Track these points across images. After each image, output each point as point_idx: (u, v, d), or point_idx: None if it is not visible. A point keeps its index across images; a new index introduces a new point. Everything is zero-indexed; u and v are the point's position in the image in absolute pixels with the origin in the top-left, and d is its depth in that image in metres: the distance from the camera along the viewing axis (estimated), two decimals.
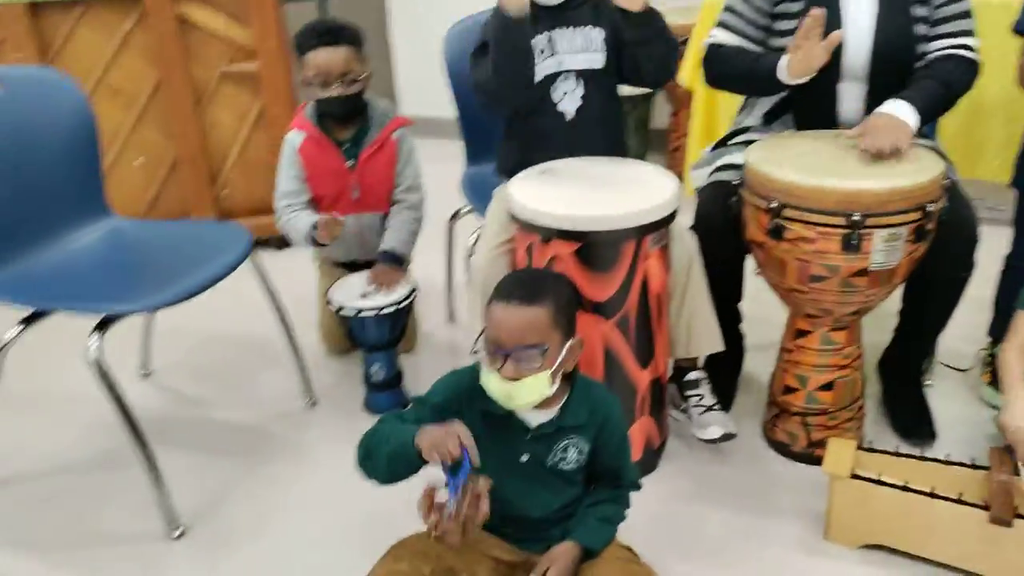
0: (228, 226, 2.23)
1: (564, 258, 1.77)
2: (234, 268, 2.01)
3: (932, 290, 1.98)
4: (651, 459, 2.02)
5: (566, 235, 1.76)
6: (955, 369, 2.33)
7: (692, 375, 2.07)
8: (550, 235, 1.77)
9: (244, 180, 3.24)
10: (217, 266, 1.97)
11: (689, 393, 2.06)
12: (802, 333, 1.96)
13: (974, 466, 1.75)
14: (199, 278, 1.92)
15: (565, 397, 1.53)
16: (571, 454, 1.55)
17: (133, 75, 3.05)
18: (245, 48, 3.06)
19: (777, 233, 1.80)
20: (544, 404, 1.50)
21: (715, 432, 1.98)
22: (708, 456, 2.06)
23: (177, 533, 1.89)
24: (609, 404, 1.58)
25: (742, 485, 1.97)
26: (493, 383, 1.43)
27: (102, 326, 1.83)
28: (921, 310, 2.03)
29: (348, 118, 2.26)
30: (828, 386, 1.95)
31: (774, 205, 1.78)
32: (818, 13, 1.84)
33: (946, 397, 2.23)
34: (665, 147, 3.87)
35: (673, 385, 2.13)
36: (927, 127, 2.34)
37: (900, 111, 1.87)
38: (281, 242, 3.21)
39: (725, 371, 2.24)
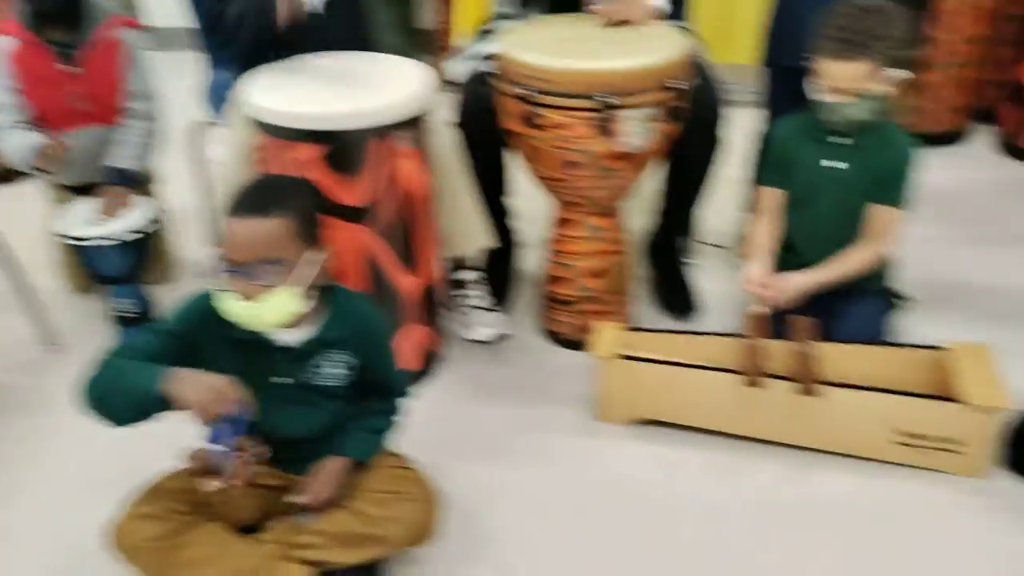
0: None
1: (310, 162, 1.66)
2: None
3: (685, 169, 2.03)
4: (429, 365, 1.98)
5: (310, 136, 1.64)
6: (716, 247, 2.43)
7: (464, 275, 2.03)
8: (293, 137, 1.65)
9: None
10: None
11: (461, 293, 2.02)
12: (567, 222, 1.96)
13: (730, 335, 1.83)
14: None
15: (323, 312, 1.45)
16: (335, 370, 1.48)
17: None
18: None
19: (530, 120, 1.77)
20: (299, 322, 1.41)
21: (486, 332, 1.96)
22: (487, 356, 2.05)
23: None
24: (370, 315, 1.51)
25: (520, 380, 1.98)
26: (233, 306, 1.32)
27: None
28: (677, 189, 2.08)
29: (62, 15, 1.99)
30: (596, 272, 1.97)
31: (525, 91, 1.74)
32: None
33: (710, 273, 2.33)
34: (434, 47, 3.75)
35: (447, 286, 2.09)
36: (678, 9, 2.37)
37: None
38: (5, 174, 2.86)
39: (499, 267, 2.23)
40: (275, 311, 1.34)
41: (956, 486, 1.66)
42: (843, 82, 1.76)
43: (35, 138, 1.97)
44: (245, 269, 1.30)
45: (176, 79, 2.58)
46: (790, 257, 1.99)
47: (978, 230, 2.52)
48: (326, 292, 1.45)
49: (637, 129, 1.74)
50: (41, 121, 2.05)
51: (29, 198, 2.50)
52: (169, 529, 1.38)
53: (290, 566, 1.39)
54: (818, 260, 1.96)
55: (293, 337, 1.43)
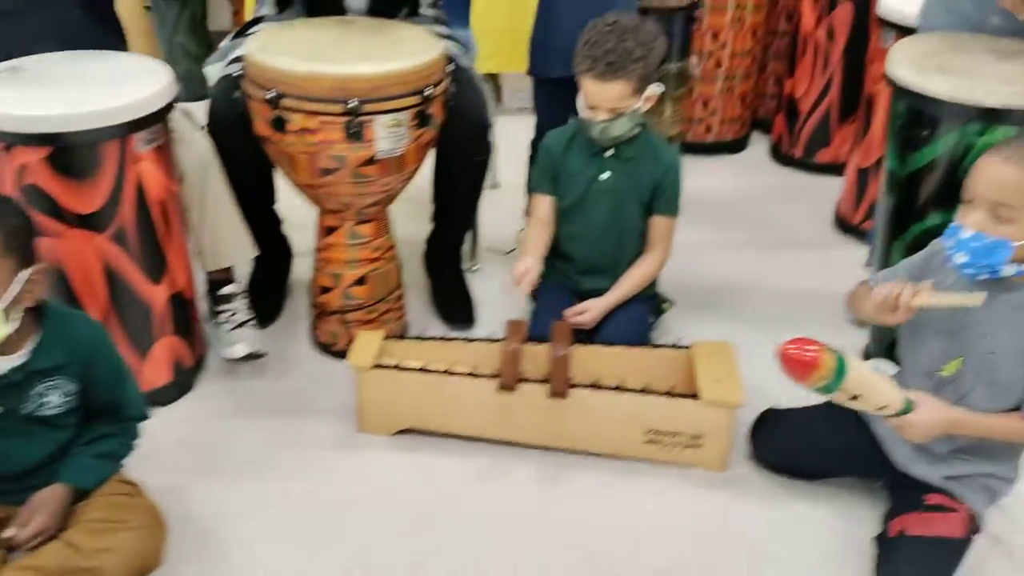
0: None
1: (34, 167, 1.55)
2: None
3: (454, 175, 2.03)
4: (185, 380, 1.89)
5: (32, 139, 1.54)
6: (498, 252, 2.45)
7: (225, 289, 1.95)
8: (13, 141, 1.54)
9: None
10: None
11: (221, 308, 1.94)
12: (330, 230, 1.92)
13: (493, 340, 1.83)
14: None
15: (35, 336, 1.35)
16: (53, 398, 1.38)
17: None
18: None
19: (279, 125, 1.72)
20: (6, 347, 1.31)
21: (240, 351, 1.89)
22: (250, 369, 1.98)
23: None
24: (93, 335, 1.43)
25: (284, 393, 1.92)
26: None
27: None
28: (449, 196, 2.09)
29: None
30: (361, 280, 1.94)
31: (272, 95, 1.69)
32: None
33: (492, 279, 2.34)
34: None
35: (209, 299, 2.01)
36: (459, 19, 2.39)
37: None
38: None
39: (269, 278, 2.17)
40: None
41: (701, 479, 1.72)
42: (603, 101, 1.81)
43: None
44: None
45: None
46: (566, 266, 2.04)
47: (747, 234, 2.64)
48: (38, 313, 1.36)
49: (388, 134, 1.72)
50: None
51: None
52: None
53: None
54: (593, 268, 2.01)
55: (2, 366, 1.33)
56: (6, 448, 1.38)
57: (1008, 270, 1.37)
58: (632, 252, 2.01)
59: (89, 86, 1.63)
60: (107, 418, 1.46)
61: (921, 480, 1.55)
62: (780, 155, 3.08)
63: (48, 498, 1.38)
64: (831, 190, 2.73)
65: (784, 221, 2.73)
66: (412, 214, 2.26)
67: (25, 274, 1.29)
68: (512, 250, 2.44)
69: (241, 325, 1.92)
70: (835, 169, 2.84)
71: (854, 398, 1.34)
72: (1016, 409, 1.44)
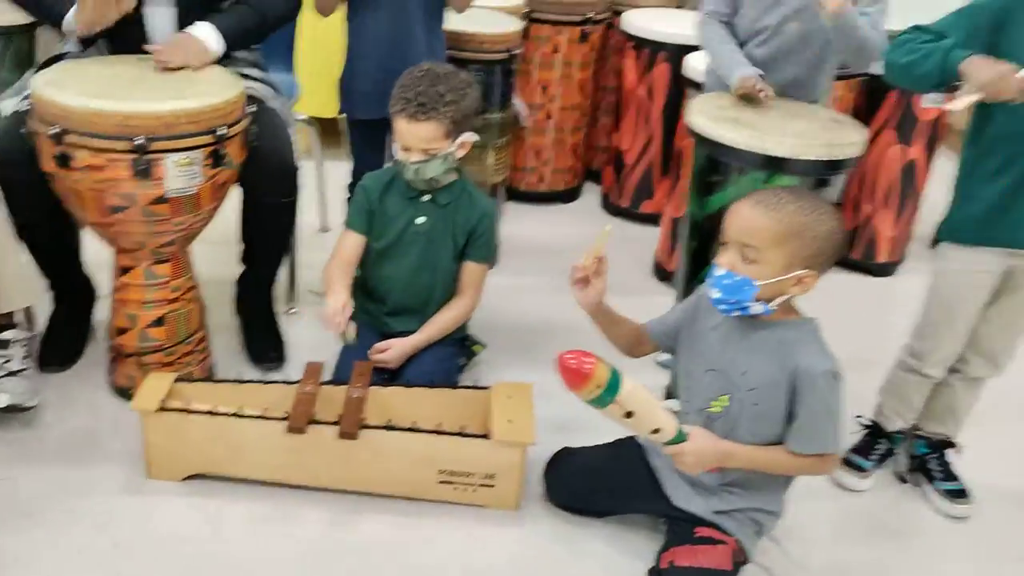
0: None
1: None
2: None
3: (260, 216, 2.00)
4: None
5: None
6: (319, 294, 2.42)
7: (4, 335, 1.86)
8: None
9: None
10: None
11: None
12: (125, 270, 1.86)
13: (289, 382, 1.81)
14: None
15: None
16: None
17: None
18: None
19: (64, 161, 1.67)
20: None
21: (4, 399, 1.79)
22: (36, 416, 1.88)
23: None
24: None
25: (76, 438, 1.84)
26: None
27: None
28: (256, 236, 2.06)
29: None
30: (159, 322, 1.88)
31: (56, 131, 1.64)
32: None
33: (311, 323, 2.31)
34: None
35: None
36: (281, 62, 2.39)
37: (201, 32, 1.85)
38: None
39: (69, 320, 2.08)
40: None
41: (494, 518, 1.73)
42: (415, 142, 1.84)
43: None
44: None
45: None
46: (376, 307, 2.04)
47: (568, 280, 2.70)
48: None
49: (179, 173, 1.70)
50: None
51: None
52: None
53: None
54: (402, 310, 2.02)
55: None
56: None
57: (756, 308, 1.44)
58: (442, 296, 2.02)
59: None
60: None
61: (693, 514, 1.60)
62: (610, 205, 3.18)
63: None
64: (653, 239, 2.83)
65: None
66: (223, 255, 2.22)
67: None
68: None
69: (12, 374, 1.81)
70: (658, 219, 2.95)
71: (628, 415, 1.38)
72: (779, 442, 1.51)
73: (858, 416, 1.98)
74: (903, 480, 1.96)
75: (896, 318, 2.08)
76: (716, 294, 1.46)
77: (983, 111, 1.62)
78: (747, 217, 1.42)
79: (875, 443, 1.95)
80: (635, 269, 2.80)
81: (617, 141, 3.06)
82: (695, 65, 2.46)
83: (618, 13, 3.04)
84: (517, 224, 2.94)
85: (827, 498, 1.89)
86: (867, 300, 2.79)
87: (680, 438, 1.45)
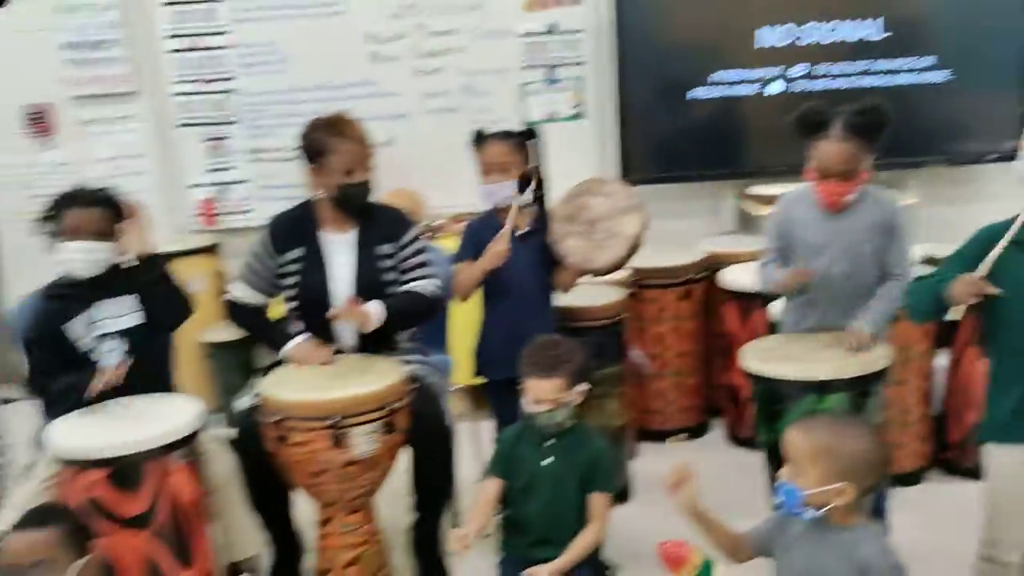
0: None
1: (95, 484, 2.07)
2: None
3: (425, 471, 2.49)
4: None
5: (95, 463, 2.07)
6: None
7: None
8: (82, 465, 2.08)
9: None
10: None
11: None
12: (325, 521, 2.37)
13: None
14: None
15: None
16: None
17: None
18: None
19: (282, 440, 2.25)
20: None
21: None
22: None
23: None
24: None
25: None
26: None
27: None
28: (423, 488, 2.53)
29: None
30: (354, 561, 2.36)
31: (277, 418, 2.23)
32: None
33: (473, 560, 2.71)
34: None
35: None
36: (437, 345, 2.98)
37: (370, 306, 2.44)
38: None
39: (284, 569, 2.58)
40: None
41: None
42: (544, 394, 2.32)
43: None
44: (21, 571, 1.68)
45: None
46: (520, 539, 2.42)
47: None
48: None
49: (363, 440, 2.23)
50: None
51: None
52: None
53: None
54: (543, 540, 2.39)
55: None
56: None
57: (808, 512, 1.76)
58: (576, 525, 2.39)
59: (138, 421, 2.20)
60: None
61: None
62: (735, 437, 3.50)
63: None
64: None
65: (734, 496, 3.08)
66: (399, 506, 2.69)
67: (79, 564, 1.76)
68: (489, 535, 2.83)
69: None
70: None
71: None
72: None
73: None
74: None
75: None
76: (779, 499, 1.79)
77: (993, 324, 1.95)
78: (789, 438, 1.78)
79: None
80: (757, 493, 3.06)
81: (730, 379, 3.43)
82: (774, 312, 2.88)
83: (716, 270, 3.52)
84: (651, 460, 3.29)
85: None
86: None
87: None
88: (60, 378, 2.33)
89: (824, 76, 3.92)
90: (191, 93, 4.26)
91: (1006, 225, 1.93)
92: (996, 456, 1.99)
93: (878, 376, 2.14)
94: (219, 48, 4.21)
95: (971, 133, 3.93)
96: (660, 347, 3.45)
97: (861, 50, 3.89)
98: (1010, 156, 2.45)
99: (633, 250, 2.65)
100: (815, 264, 2.39)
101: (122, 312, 2.41)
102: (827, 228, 2.38)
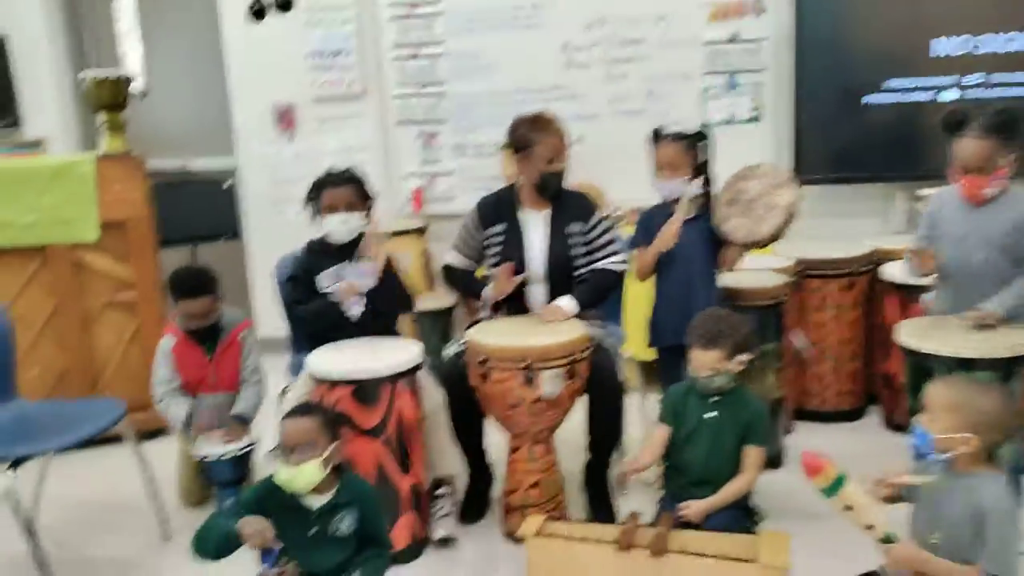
0: (107, 400, 2.99)
1: (342, 398, 2.61)
2: (115, 423, 2.76)
3: (599, 416, 2.90)
4: (416, 548, 2.77)
5: (342, 383, 2.62)
6: (645, 483, 3.21)
7: (439, 490, 2.89)
8: (333, 384, 2.63)
9: (120, 385, 3.91)
10: (102, 422, 2.73)
11: (434, 502, 2.86)
12: (515, 449, 2.83)
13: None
14: (91, 429, 2.68)
15: (336, 485, 2.32)
16: (345, 524, 2.31)
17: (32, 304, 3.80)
18: (126, 281, 3.90)
19: (485, 378, 2.72)
20: (319, 489, 2.28)
21: (439, 533, 2.77)
22: (463, 545, 2.83)
23: None
24: (370, 491, 2.36)
25: (477, 563, 2.74)
26: (282, 472, 2.22)
27: (15, 465, 2.53)
28: (596, 431, 2.94)
29: (206, 333, 3.10)
30: (536, 485, 2.80)
31: (482, 359, 2.71)
32: (508, 266, 2.94)
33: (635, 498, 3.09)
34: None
35: (430, 495, 2.92)
36: (613, 317, 3.37)
37: (562, 302, 2.89)
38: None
39: (477, 489, 3.06)
40: (308, 476, 2.22)
41: None
42: (705, 363, 2.67)
43: (185, 408, 3.01)
44: (292, 449, 2.21)
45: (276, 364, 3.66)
46: (681, 479, 2.78)
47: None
48: (337, 472, 2.33)
49: (550, 382, 2.66)
50: (189, 389, 3.09)
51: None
52: None
53: None
54: (700, 481, 2.74)
55: (319, 501, 2.29)
56: (317, 557, 2.28)
57: (933, 455, 2.02)
58: (730, 472, 2.71)
59: (374, 355, 2.73)
60: (370, 545, 2.35)
61: None
62: (891, 423, 3.68)
63: None
64: None
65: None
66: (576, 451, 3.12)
67: (333, 446, 2.27)
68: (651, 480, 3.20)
69: (444, 516, 2.81)
70: None
71: (847, 508, 2.00)
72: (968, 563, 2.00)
73: None
74: None
75: None
76: (912, 441, 2.07)
77: None
78: (931, 390, 2.05)
79: None
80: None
81: (888, 367, 3.62)
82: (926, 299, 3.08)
83: (880, 264, 3.71)
84: (806, 437, 3.55)
85: None
86: None
87: (890, 539, 2.02)
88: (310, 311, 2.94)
89: (999, 85, 4.01)
90: (409, 95, 4.87)
91: None
92: None
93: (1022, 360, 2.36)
94: (435, 56, 4.80)
95: None
96: (821, 334, 3.68)
97: None
98: None
99: (790, 218, 2.92)
100: (954, 252, 2.62)
101: (364, 275, 2.96)
102: (968, 219, 2.61)
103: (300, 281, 2.98)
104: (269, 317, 5.31)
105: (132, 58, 5.40)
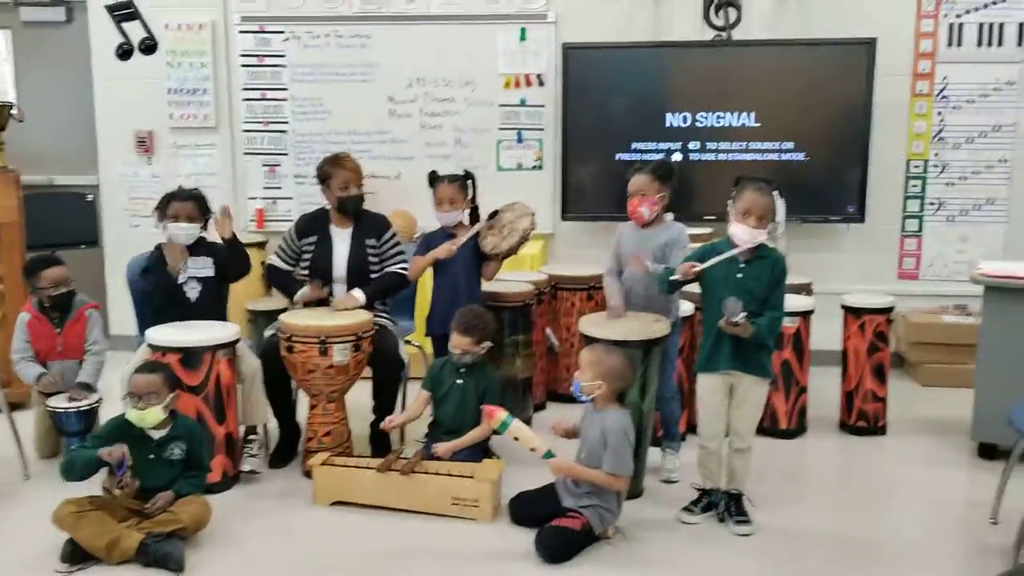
0: None
1: (173, 363, 3.29)
2: None
3: (381, 383, 3.68)
4: (227, 482, 3.45)
5: (171, 350, 3.30)
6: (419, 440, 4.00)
7: (251, 436, 3.60)
8: (165, 352, 3.31)
9: None
10: None
11: (247, 445, 3.57)
12: (313, 407, 3.57)
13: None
14: None
15: (171, 423, 3.01)
16: (176, 451, 3.00)
17: None
18: None
19: (290, 349, 3.46)
20: (160, 426, 2.96)
21: (245, 467, 3.49)
22: (271, 480, 3.53)
23: None
24: (194, 427, 3.07)
25: (281, 492, 3.45)
26: (133, 414, 2.90)
27: None
28: (379, 394, 3.71)
29: (62, 305, 3.70)
30: (328, 434, 3.54)
31: (287, 336, 3.45)
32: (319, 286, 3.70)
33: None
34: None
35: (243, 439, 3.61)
36: (406, 313, 4.17)
37: (354, 292, 3.68)
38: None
39: (286, 440, 3.78)
40: (154, 416, 2.91)
41: (479, 527, 3.14)
42: (459, 345, 3.47)
43: (37, 370, 3.60)
44: (140, 396, 2.90)
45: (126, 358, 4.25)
46: (438, 430, 3.56)
47: None
48: (172, 414, 3.02)
49: (339, 353, 3.43)
50: (40, 356, 3.68)
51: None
52: (78, 511, 2.82)
53: (133, 533, 2.82)
54: (450, 431, 3.52)
55: (159, 434, 2.97)
56: (153, 477, 2.95)
57: (583, 396, 2.92)
58: (472, 424, 3.53)
59: (202, 331, 3.42)
60: (193, 469, 3.04)
61: (568, 507, 2.96)
62: None
63: (167, 496, 2.92)
64: None
65: None
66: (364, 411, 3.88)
67: (173, 395, 2.97)
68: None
69: (252, 456, 3.52)
70: None
71: (516, 439, 2.86)
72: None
73: None
74: None
75: None
76: (572, 388, 2.95)
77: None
78: (580, 354, 2.95)
79: None
80: None
81: None
82: None
83: None
84: (555, 413, 4.42)
85: None
86: None
87: (550, 454, 2.89)
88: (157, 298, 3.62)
89: (711, 151, 5.12)
90: (256, 131, 5.57)
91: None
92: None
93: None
94: (279, 100, 5.52)
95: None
96: (568, 334, 4.60)
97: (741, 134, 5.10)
98: None
99: (525, 237, 3.84)
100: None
101: (203, 267, 3.66)
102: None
103: (151, 271, 3.66)
104: (121, 317, 5.85)
105: (6, 86, 5.86)
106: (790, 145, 5.06)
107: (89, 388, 3.68)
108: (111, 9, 5.36)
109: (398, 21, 5.39)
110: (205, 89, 5.53)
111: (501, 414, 2.88)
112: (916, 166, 5.21)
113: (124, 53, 5.31)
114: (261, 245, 5.40)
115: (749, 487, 3.17)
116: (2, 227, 4.36)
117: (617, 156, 5.21)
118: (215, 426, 3.38)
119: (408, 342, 4.12)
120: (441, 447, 3.42)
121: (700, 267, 2.99)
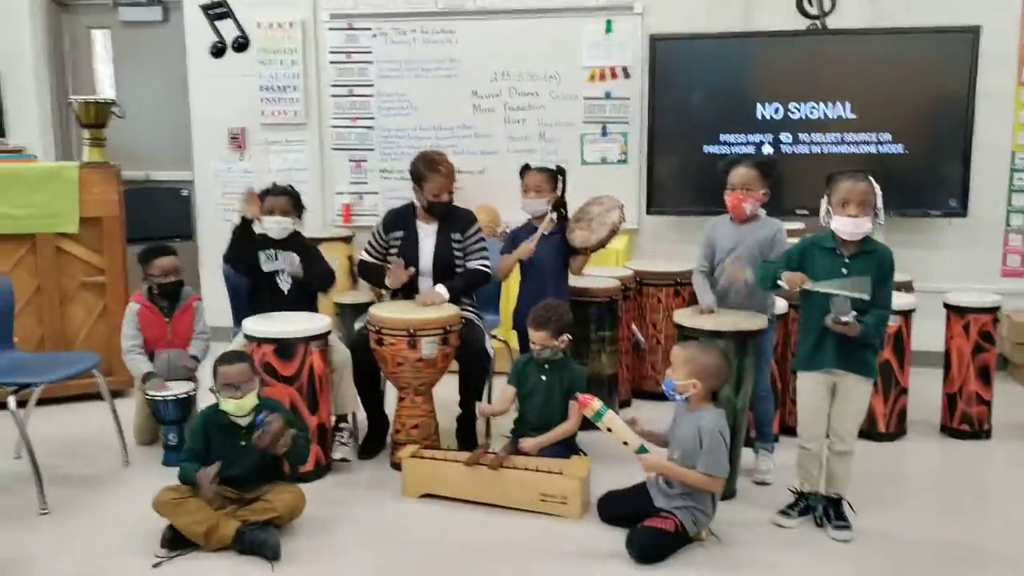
0: (84, 352, 3.66)
1: (268, 354, 3.33)
2: (92, 367, 3.45)
3: (468, 377, 3.66)
4: (319, 471, 3.48)
5: (266, 341, 3.33)
6: (504, 436, 3.97)
7: (341, 424, 3.61)
8: (260, 342, 3.34)
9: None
10: (82, 365, 3.42)
11: (337, 434, 3.59)
12: (401, 399, 3.56)
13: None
14: (74, 370, 3.37)
15: (263, 410, 3.04)
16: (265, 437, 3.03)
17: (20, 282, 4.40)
18: (98, 267, 4.54)
19: (380, 342, 3.46)
20: (249, 412, 3.00)
21: (337, 455, 3.50)
22: (360, 471, 3.55)
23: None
24: (277, 404, 3.08)
25: (369, 483, 3.46)
26: (231, 404, 2.93)
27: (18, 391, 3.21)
28: (465, 388, 3.69)
29: (170, 295, 3.79)
30: (416, 427, 3.54)
31: (376, 328, 3.45)
32: (403, 266, 3.69)
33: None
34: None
35: (333, 427, 3.64)
36: (491, 308, 4.14)
37: (437, 287, 3.65)
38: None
39: (375, 432, 3.79)
40: (249, 403, 2.94)
41: (567, 524, 3.08)
42: (537, 340, 3.40)
43: (147, 368, 3.69)
44: (238, 386, 2.93)
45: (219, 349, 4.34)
46: (524, 425, 3.50)
47: None
48: (264, 400, 3.05)
49: (427, 346, 3.42)
50: (149, 344, 3.77)
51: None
52: (178, 498, 2.87)
53: (230, 521, 2.85)
54: (537, 427, 3.48)
55: (246, 420, 3.00)
56: (248, 463, 2.98)
57: (677, 396, 2.83)
58: (558, 419, 3.48)
59: (293, 323, 3.45)
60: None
61: (660, 507, 2.88)
62: None
63: (276, 419, 2.91)
64: None
65: None
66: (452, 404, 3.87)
67: (259, 379, 3.00)
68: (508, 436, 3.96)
69: (343, 443, 3.54)
70: None
71: (609, 430, 2.79)
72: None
73: None
74: None
75: None
76: (664, 386, 2.87)
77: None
78: (672, 351, 2.86)
79: None
80: None
81: None
82: None
83: None
84: (640, 411, 4.34)
85: None
86: None
87: (643, 450, 2.81)
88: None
89: (803, 143, 4.95)
90: (343, 127, 5.61)
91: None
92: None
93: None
94: (366, 96, 5.55)
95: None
96: (655, 331, 4.50)
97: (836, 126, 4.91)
98: None
99: (615, 231, 3.72)
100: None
101: (293, 262, 3.71)
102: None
103: (244, 262, 3.73)
104: (216, 308, 5.99)
105: (106, 85, 6.06)
106: (888, 137, 4.85)
107: (197, 360, 3.82)
108: (205, 8, 5.51)
109: (482, 16, 5.36)
110: (295, 86, 5.60)
111: (596, 403, 2.81)
112: (1022, 158, 4.93)
113: (218, 51, 5.44)
114: (348, 239, 5.46)
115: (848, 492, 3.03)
116: (104, 220, 4.48)
117: (705, 148, 5.08)
118: (308, 416, 3.40)
119: (494, 336, 4.09)
120: (528, 443, 3.37)
121: (812, 286, 2.83)
